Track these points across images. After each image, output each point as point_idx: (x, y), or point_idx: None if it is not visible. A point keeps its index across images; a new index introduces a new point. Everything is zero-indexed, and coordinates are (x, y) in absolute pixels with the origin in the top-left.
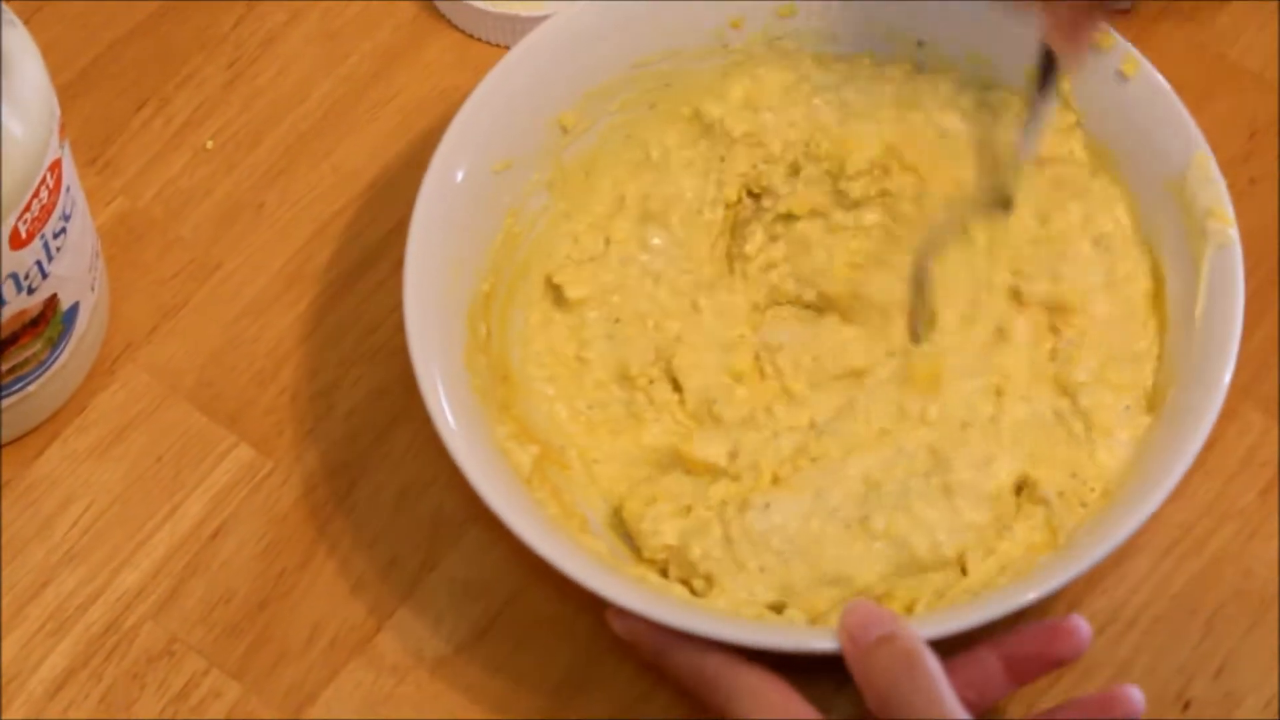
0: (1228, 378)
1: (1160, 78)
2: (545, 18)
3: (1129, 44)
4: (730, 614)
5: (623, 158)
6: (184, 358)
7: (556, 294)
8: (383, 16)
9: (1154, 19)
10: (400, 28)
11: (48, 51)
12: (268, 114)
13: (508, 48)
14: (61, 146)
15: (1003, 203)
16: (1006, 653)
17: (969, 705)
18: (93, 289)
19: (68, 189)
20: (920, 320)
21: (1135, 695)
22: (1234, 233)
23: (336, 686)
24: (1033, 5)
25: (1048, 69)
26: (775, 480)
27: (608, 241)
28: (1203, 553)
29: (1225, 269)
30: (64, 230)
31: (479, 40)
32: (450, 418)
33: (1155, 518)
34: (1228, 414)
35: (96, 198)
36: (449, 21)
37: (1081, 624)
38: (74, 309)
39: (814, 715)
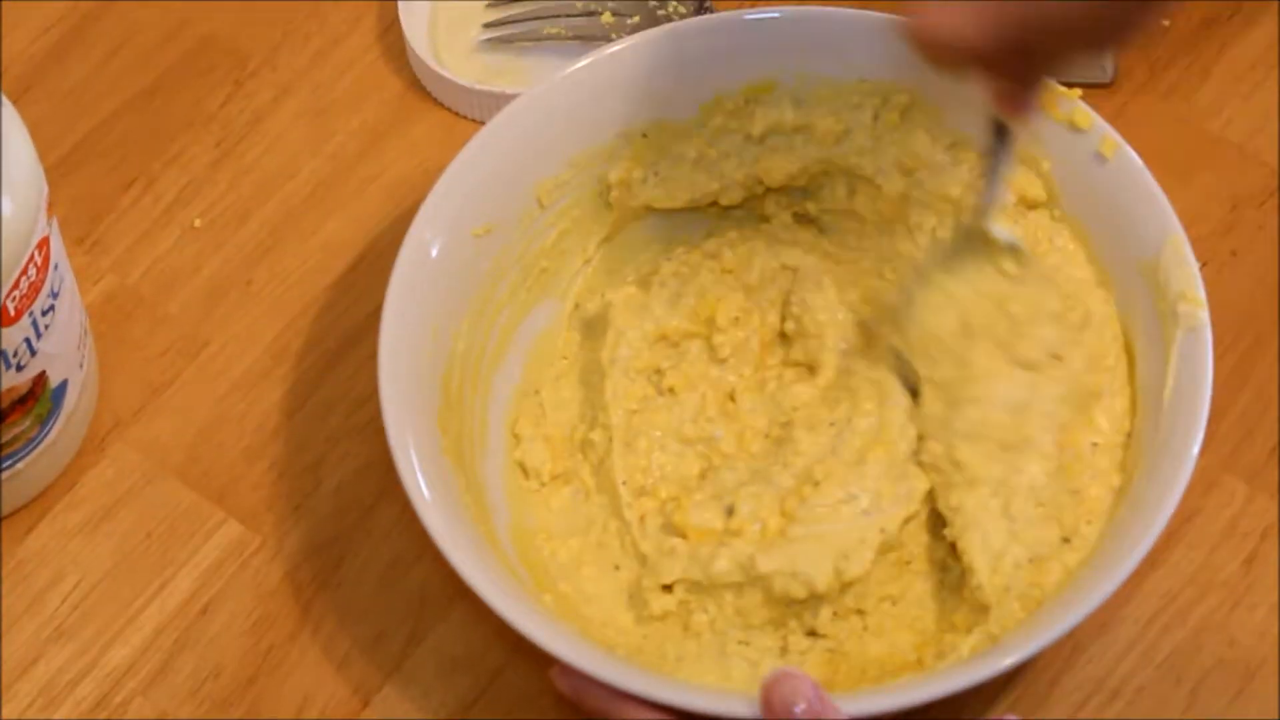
0: (1188, 470)
1: (1138, 160)
2: None
3: (1108, 125)
4: (695, 682)
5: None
6: (172, 434)
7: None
8: (370, 94)
9: (1135, 92)
10: (387, 105)
11: (36, 130)
12: (255, 192)
13: None
14: (49, 224)
15: (980, 238)
16: None
17: None
18: (81, 366)
19: (56, 266)
20: (907, 367)
21: None
22: (1204, 315)
23: None
24: (977, 79)
25: (999, 136)
26: (783, 523)
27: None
28: (1187, 622)
29: (1194, 353)
30: (52, 308)
31: (465, 118)
32: (424, 488)
33: (1139, 588)
34: (1210, 484)
35: (85, 276)
36: (435, 99)
37: None
38: (63, 386)
39: None
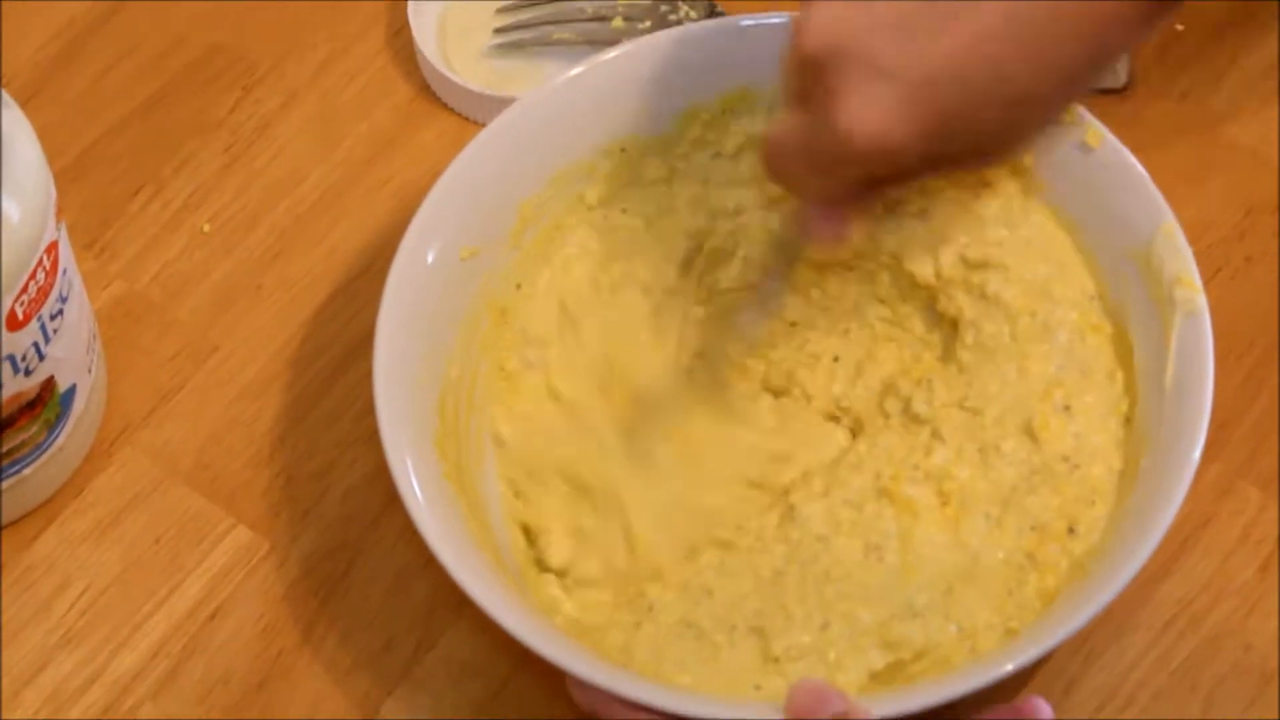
0: (1196, 455)
1: (1124, 149)
2: None
3: (1092, 117)
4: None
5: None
6: (181, 440)
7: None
8: (379, 100)
9: (1149, 98)
10: (396, 111)
11: (45, 135)
12: (264, 197)
13: None
14: (58, 229)
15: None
16: None
17: None
18: (90, 371)
19: (64, 271)
20: None
21: (1043, 707)
22: (1202, 300)
23: None
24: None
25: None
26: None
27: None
28: (1201, 629)
29: (1195, 337)
30: (61, 312)
31: (475, 123)
32: (420, 495)
33: (1153, 595)
34: (1224, 491)
35: (94, 281)
36: (445, 104)
37: (1043, 706)
38: (71, 391)
39: None
